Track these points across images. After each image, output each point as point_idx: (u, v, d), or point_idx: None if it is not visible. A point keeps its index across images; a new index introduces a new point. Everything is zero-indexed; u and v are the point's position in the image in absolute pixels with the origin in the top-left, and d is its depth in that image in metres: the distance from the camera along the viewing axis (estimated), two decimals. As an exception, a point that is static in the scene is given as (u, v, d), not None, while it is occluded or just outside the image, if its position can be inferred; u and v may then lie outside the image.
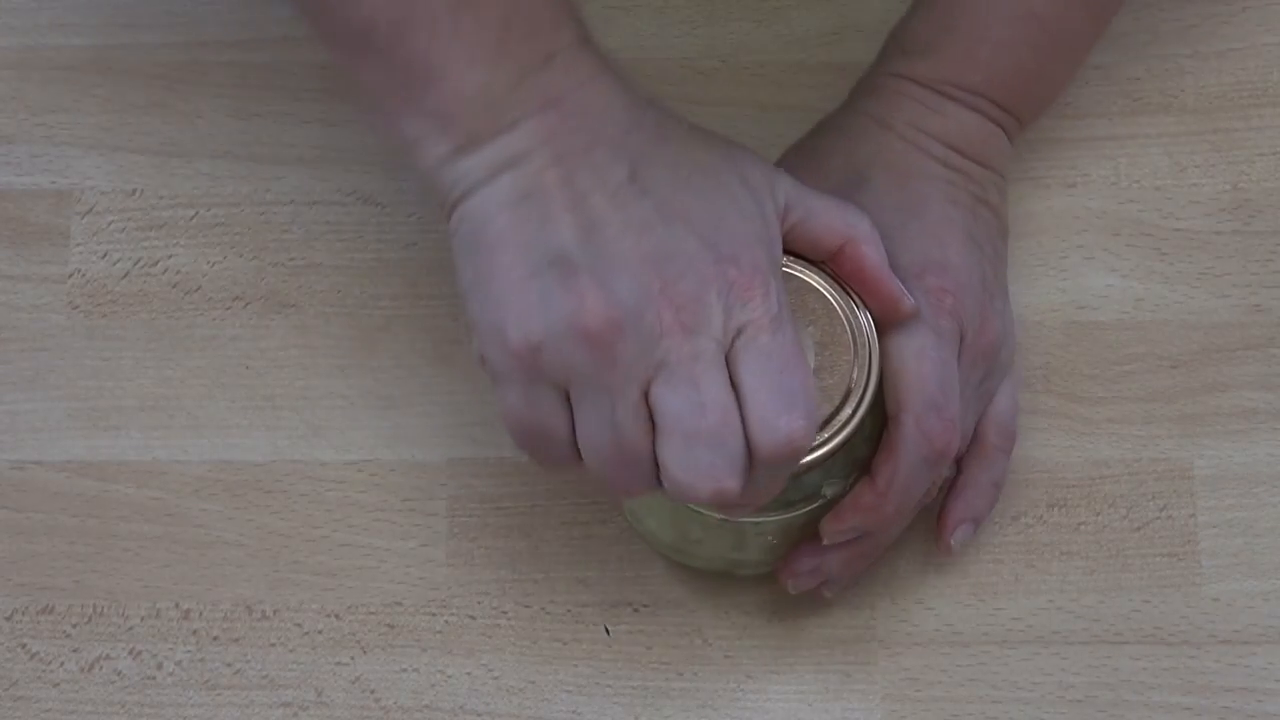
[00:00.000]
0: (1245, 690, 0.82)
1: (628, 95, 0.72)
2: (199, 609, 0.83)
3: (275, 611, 0.83)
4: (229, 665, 0.83)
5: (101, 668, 0.83)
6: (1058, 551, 0.84)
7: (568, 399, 0.70)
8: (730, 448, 0.70)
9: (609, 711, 0.82)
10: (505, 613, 0.83)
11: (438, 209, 0.72)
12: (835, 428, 0.74)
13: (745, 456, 0.70)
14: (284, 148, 0.89)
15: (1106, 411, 0.86)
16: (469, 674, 0.83)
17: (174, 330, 0.87)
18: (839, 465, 0.77)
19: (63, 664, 0.83)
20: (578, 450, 0.72)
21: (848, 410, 0.74)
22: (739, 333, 0.70)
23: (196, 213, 0.89)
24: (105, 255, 0.88)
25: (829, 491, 0.77)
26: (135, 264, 0.88)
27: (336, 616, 0.83)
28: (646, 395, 0.70)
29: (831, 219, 0.75)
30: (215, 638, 0.83)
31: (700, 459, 0.69)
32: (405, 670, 0.83)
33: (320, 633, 0.83)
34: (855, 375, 0.75)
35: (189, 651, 0.83)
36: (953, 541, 0.82)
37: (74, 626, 0.83)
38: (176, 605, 0.84)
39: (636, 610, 0.84)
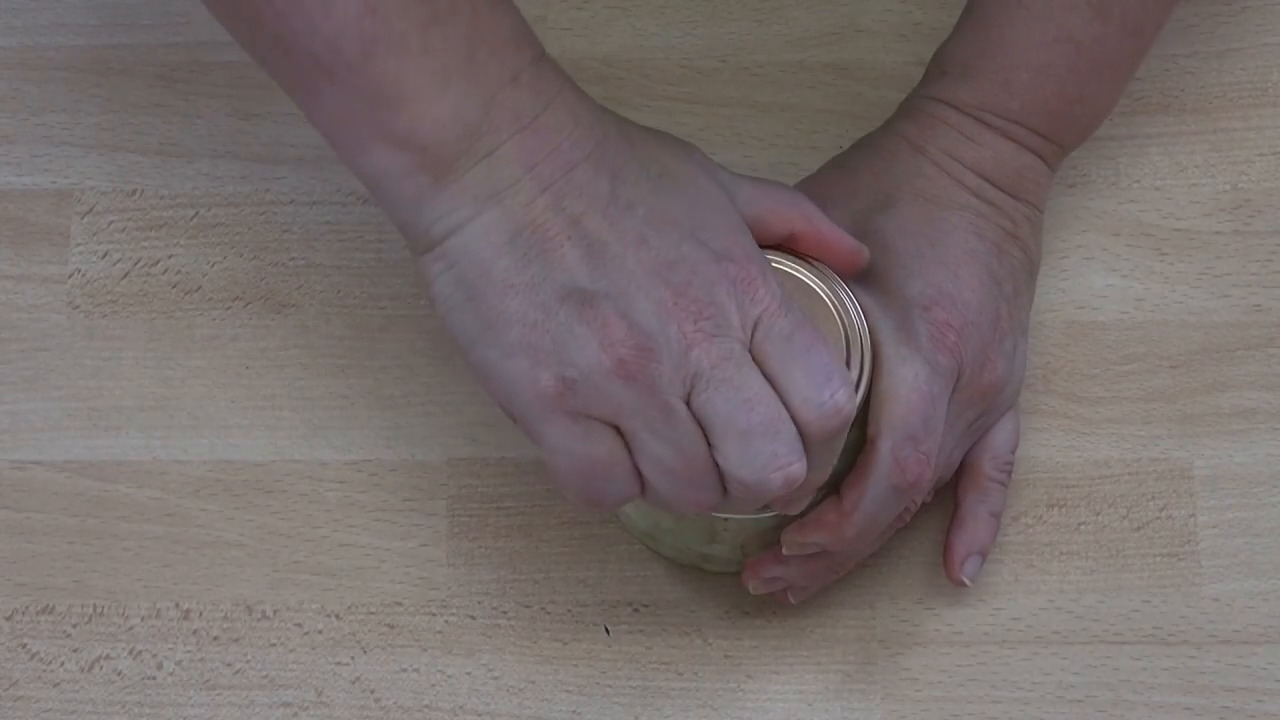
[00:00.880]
0: (1245, 690, 0.82)
1: (589, 106, 0.72)
2: (199, 609, 0.83)
3: (275, 611, 0.83)
4: (229, 665, 0.83)
5: (101, 668, 0.83)
6: (1058, 551, 0.84)
7: (614, 430, 0.70)
8: (785, 433, 0.70)
9: (609, 711, 0.82)
10: (505, 613, 0.83)
11: (409, 247, 0.71)
12: None
13: (799, 438, 0.71)
14: (284, 148, 0.89)
15: (1106, 411, 0.86)
16: (469, 674, 0.83)
17: (174, 330, 0.87)
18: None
19: (63, 664, 0.83)
20: (639, 479, 0.72)
21: None
22: (756, 325, 0.70)
23: (196, 213, 0.89)
24: (105, 255, 0.88)
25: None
26: (135, 264, 0.88)
27: (336, 616, 0.83)
28: (690, 406, 0.70)
29: (776, 201, 0.75)
30: (215, 638, 0.83)
31: (761, 452, 0.70)
32: (405, 670, 0.83)
33: (320, 633, 0.83)
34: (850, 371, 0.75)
35: (189, 651, 0.83)
36: (964, 576, 0.82)
37: (74, 626, 0.83)
38: (176, 605, 0.84)
39: (636, 610, 0.84)
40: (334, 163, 0.89)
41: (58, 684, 0.83)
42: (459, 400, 0.86)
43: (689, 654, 0.83)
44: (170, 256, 0.88)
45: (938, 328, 0.77)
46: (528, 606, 0.84)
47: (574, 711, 0.82)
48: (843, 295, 0.75)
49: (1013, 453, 0.83)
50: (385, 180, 0.70)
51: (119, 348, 0.87)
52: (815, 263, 0.76)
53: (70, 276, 0.88)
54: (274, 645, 0.83)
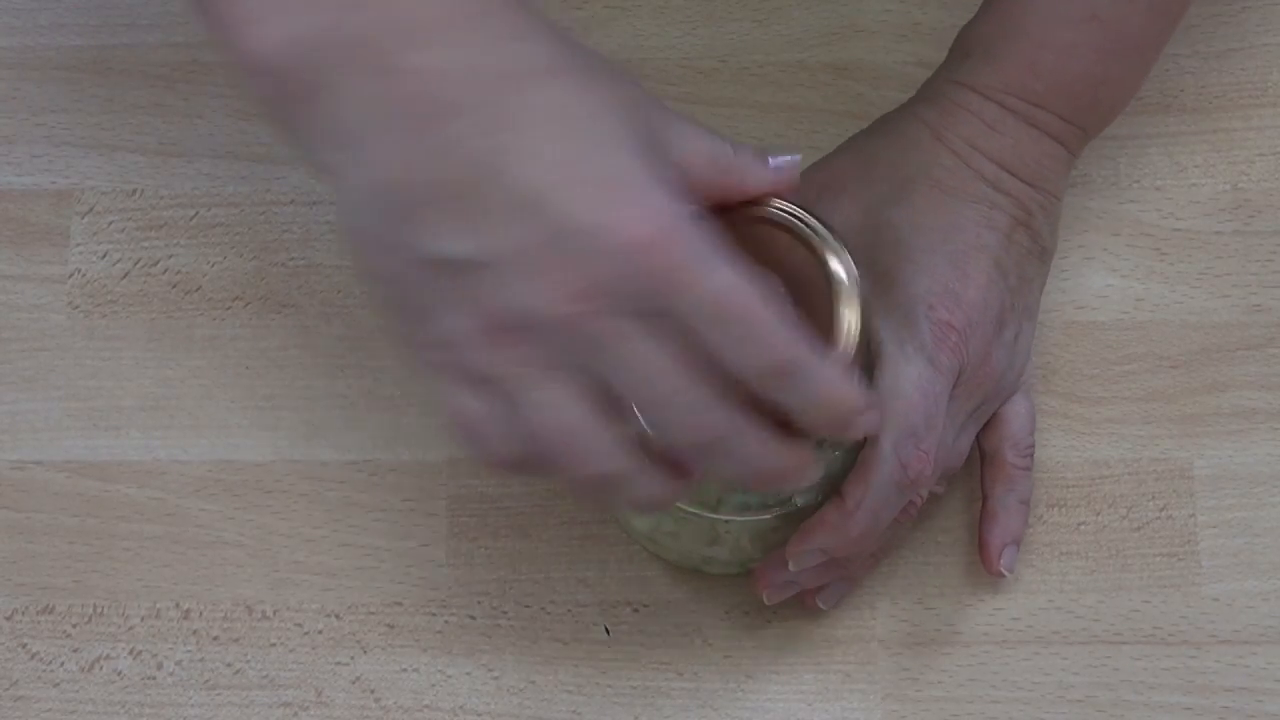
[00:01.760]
0: (1245, 690, 0.82)
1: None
2: (199, 609, 0.83)
3: (275, 611, 0.83)
4: (229, 665, 0.83)
5: (101, 668, 0.83)
6: (1058, 551, 0.84)
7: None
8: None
9: (609, 711, 0.82)
10: (505, 613, 0.83)
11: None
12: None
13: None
14: (284, 147, 0.89)
15: (1106, 411, 0.86)
16: (469, 674, 0.83)
17: (174, 330, 0.87)
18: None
19: (63, 664, 0.83)
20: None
21: None
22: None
23: (196, 213, 0.89)
24: (105, 255, 0.88)
25: (800, 500, 0.77)
26: (135, 264, 0.88)
27: (336, 616, 0.83)
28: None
29: (745, 159, 0.70)
30: (215, 638, 0.83)
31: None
32: (405, 670, 0.83)
33: (320, 633, 0.83)
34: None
35: (189, 651, 0.83)
36: (1002, 568, 0.82)
37: (74, 626, 0.83)
38: (176, 605, 0.84)
39: (636, 610, 0.84)
40: (334, 163, 0.89)
41: (58, 684, 0.83)
42: (459, 400, 0.86)
43: (689, 654, 0.83)
44: (170, 256, 0.88)
45: (940, 328, 0.77)
46: (528, 606, 0.84)
47: (574, 711, 0.82)
48: (847, 318, 0.73)
49: (1031, 435, 0.83)
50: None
51: (119, 348, 0.87)
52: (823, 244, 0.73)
53: (70, 276, 0.88)
54: (274, 645, 0.83)
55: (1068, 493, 0.85)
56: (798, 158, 0.71)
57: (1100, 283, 0.88)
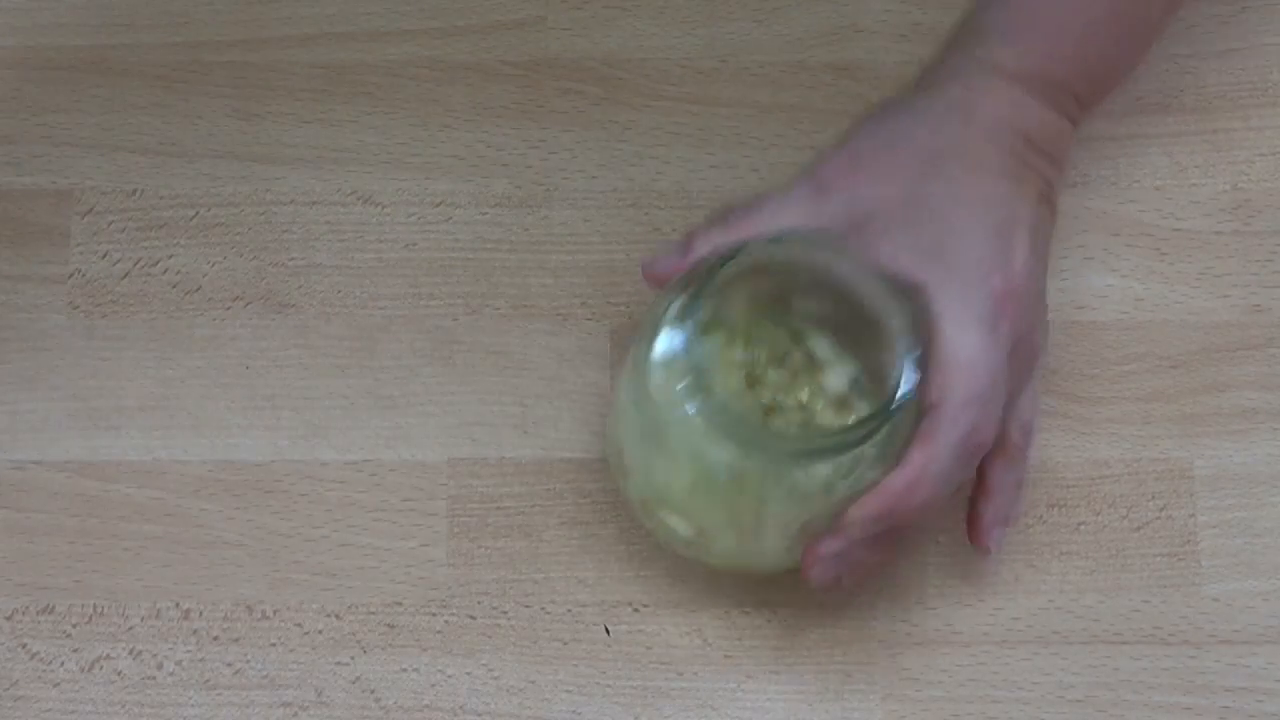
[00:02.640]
0: (1245, 690, 0.82)
1: None
2: (199, 609, 0.83)
3: (275, 611, 0.83)
4: (229, 665, 0.83)
5: (102, 668, 0.83)
6: (1058, 551, 0.84)
7: None
8: None
9: (609, 711, 0.82)
10: (505, 613, 0.83)
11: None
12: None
13: None
14: (284, 148, 0.89)
15: (1106, 411, 0.86)
16: (469, 674, 0.83)
17: (174, 330, 0.87)
18: (873, 444, 0.76)
19: (63, 664, 0.83)
20: None
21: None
22: None
23: (196, 213, 0.89)
24: (105, 255, 0.88)
25: (855, 480, 0.76)
26: (135, 264, 0.88)
27: (336, 616, 0.83)
28: None
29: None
30: (215, 638, 0.83)
31: None
32: (405, 670, 0.83)
33: (320, 633, 0.83)
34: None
35: (189, 651, 0.83)
36: (990, 544, 0.82)
37: (74, 626, 0.83)
38: (177, 605, 0.84)
39: (636, 610, 0.84)
40: (334, 163, 0.89)
41: (58, 684, 0.83)
42: (459, 400, 0.86)
43: (689, 654, 0.83)
44: (170, 256, 0.88)
45: (997, 298, 0.78)
46: (528, 606, 0.84)
47: (574, 711, 0.82)
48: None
49: (1035, 418, 0.83)
50: None
51: (119, 348, 0.87)
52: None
53: (70, 276, 0.88)
54: (274, 645, 0.83)
55: (1068, 493, 0.85)
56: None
57: (1100, 283, 0.88)
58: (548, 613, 0.83)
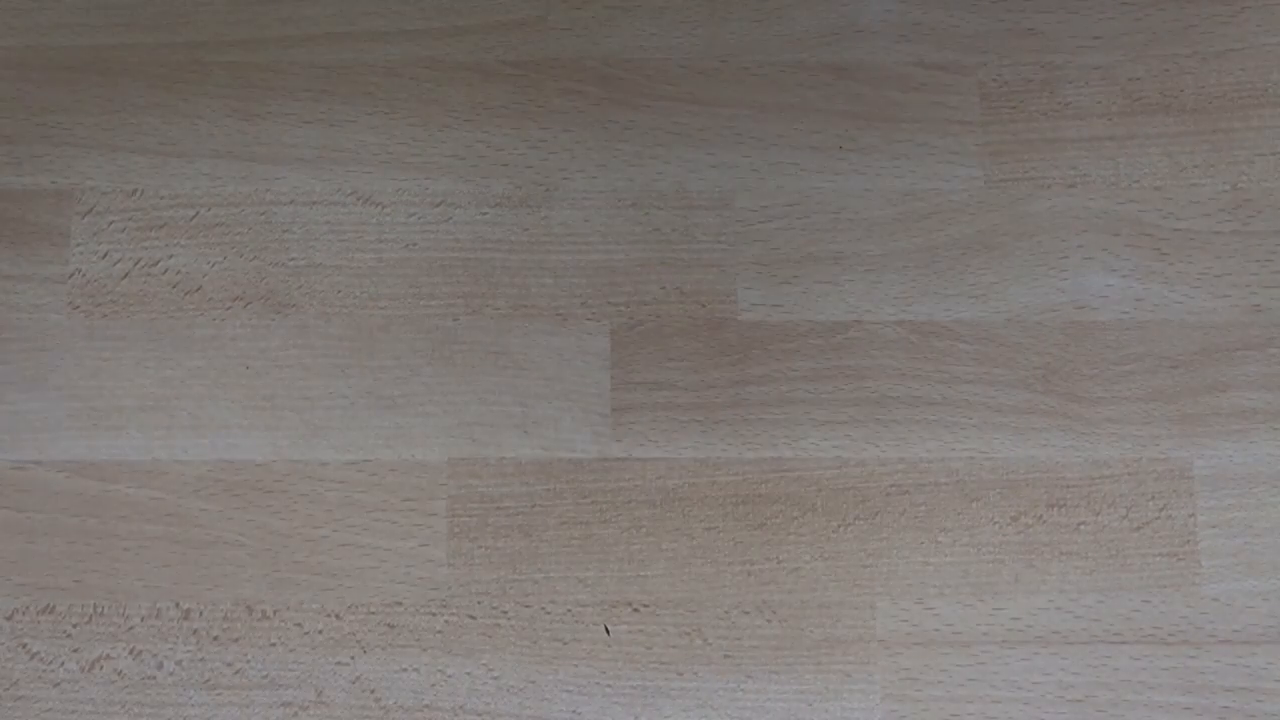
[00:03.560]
0: (1245, 690, 0.82)
1: None
2: (199, 609, 0.83)
3: (275, 611, 0.83)
4: (229, 665, 0.83)
5: (102, 667, 0.83)
6: (1058, 551, 0.84)
7: None
8: None
9: (609, 711, 0.82)
10: (505, 613, 0.83)
11: None
12: None
13: None
14: (284, 148, 0.89)
15: (1106, 411, 0.86)
16: (469, 674, 0.83)
17: (174, 330, 0.87)
18: None
19: (63, 663, 0.83)
20: None
21: None
22: None
23: (196, 213, 0.89)
24: (105, 255, 0.88)
25: None
26: (135, 264, 0.88)
27: (336, 616, 0.83)
28: None
29: None
30: (215, 637, 0.83)
31: None
32: (405, 670, 0.83)
33: (320, 632, 0.83)
34: None
35: (189, 651, 0.83)
36: None
37: (74, 626, 0.83)
38: (177, 605, 0.84)
39: (636, 610, 0.84)
40: (334, 163, 0.89)
41: (58, 684, 0.83)
42: (459, 400, 0.86)
43: (689, 654, 0.83)
44: (170, 256, 0.88)
45: None
46: (528, 606, 0.84)
47: (574, 711, 0.82)
48: None
49: None
50: None
51: (119, 348, 0.87)
52: None
53: (70, 276, 0.88)
54: (274, 645, 0.83)
55: (1068, 493, 0.85)
56: None
57: (1100, 283, 0.88)
58: (548, 613, 0.84)
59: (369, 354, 0.87)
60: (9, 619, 0.83)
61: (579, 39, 0.91)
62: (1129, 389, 0.86)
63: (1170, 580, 0.84)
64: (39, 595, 0.84)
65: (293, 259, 0.88)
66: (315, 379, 0.86)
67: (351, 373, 0.86)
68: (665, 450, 0.85)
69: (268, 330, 0.87)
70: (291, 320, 0.87)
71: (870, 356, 0.86)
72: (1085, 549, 0.84)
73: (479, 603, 0.84)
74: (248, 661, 0.83)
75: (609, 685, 0.83)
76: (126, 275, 0.88)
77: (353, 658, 0.83)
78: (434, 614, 0.83)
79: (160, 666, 0.83)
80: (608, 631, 0.83)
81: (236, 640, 0.83)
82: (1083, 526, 0.85)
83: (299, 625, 0.83)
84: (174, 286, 0.88)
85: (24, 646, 0.83)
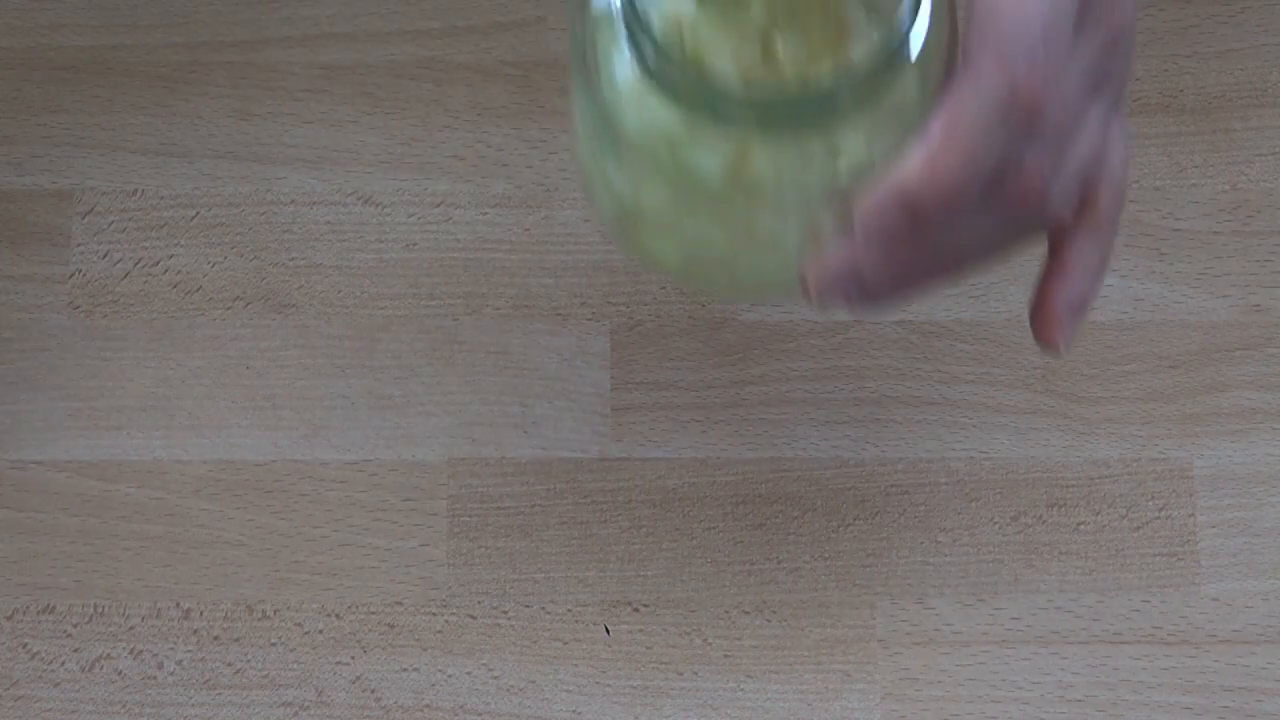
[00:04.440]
0: (1245, 690, 0.83)
1: None
2: (199, 609, 0.83)
3: (275, 611, 0.83)
4: (229, 665, 0.83)
5: (102, 667, 0.83)
6: (1057, 551, 0.84)
7: None
8: None
9: (609, 711, 0.82)
10: (505, 613, 0.84)
11: None
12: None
13: None
14: (284, 148, 0.89)
15: (1106, 411, 0.86)
16: (469, 674, 0.83)
17: (174, 330, 0.87)
18: (883, 114, 0.59)
19: (63, 664, 0.83)
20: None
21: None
22: None
23: (196, 213, 0.89)
24: (106, 255, 0.88)
25: (863, 151, 0.59)
26: (136, 264, 0.88)
27: (337, 616, 0.83)
28: None
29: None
30: (216, 637, 0.83)
31: None
32: (405, 670, 0.83)
33: (320, 632, 0.83)
34: None
35: (189, 651, 0.83)
36: (1061, 340, 0.64)
37: (75, 626, 0.83)
38: (177, 605, 0.84)
39: (636, 610, 0.84)
40: (334, 163, 0.89)
41: (58, 684, 0.83)
42: (459, 400, 0.86)
43: (689, 654, 0.83)
44: (170, 256, 0.88)
45: None
46: (528, 606, 0.84)
47: (574, 711, 0.82)
48: None
49: (1127, 177, 0.64)
50: None
51: (119, 348, 0.87)
52: None
53: (70, 276, 0.88)
54: (274, 645, 0.83)
55: (1068, 493, 0.85)
56: None
57: (1100, 283, 0.88)
58: (548, 612, 0.84)
59: (369, 354, 0.87)
60: (9, 619, 0.83)
61: (579, 39, 0.91)
62: (1128, 389, 0.86)
63: (1170, 580, 0.84)
64: (39, 595, 0.84)
65: (293, 259, 0.88)
66: (315, 379, 0.86)
67: (351, 373, 0.87)
68: (665, 450, 0.85)
69: (268, 330, 0.87)
70: (291, 320, 0.87)
71: (869, 356, 0.86)
72: (1085, 549, 0.84)
73: (479, 603, 0.84)
74: (248, 661, 0.83)
75: (609, 685, 0.83)
76: (126, 275, 0.88)
77: (353, 658, 0.83)
78: (434, 614, 0.83)
79: (161, 666, 0.83)
80: (608, 631, 0.83)
81: (237, 640, 0.83)
82: (1082, 526, 0.85)
83: (299, 625, 0.83)
84: (174, 286, 0.88)
85: (24, 646, 0.83)
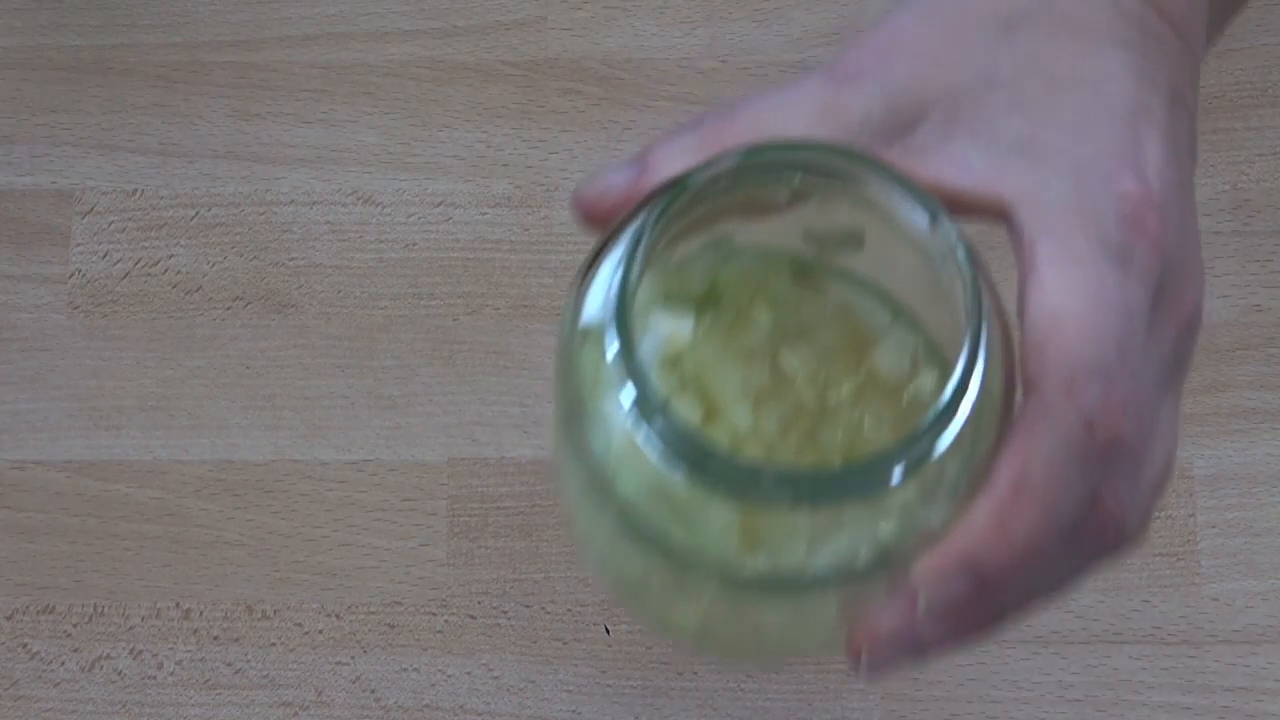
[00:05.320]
0: (1245, 690, 0.83)
1: None
2: (199, 609, 0.83)
3: (275, 611, 0.83)
4: (229, 665, 0.83)
5: (102, 667, 0.83)
6: (1057, 551, 0.84)
7: None
8: None
9: (609, 711, 0.82)
10: (505, 613, 0.83)
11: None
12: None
13: None
14: (284, 148, 0.89)
15: (1106, 411, 0.86)
16: (469, 674, 0.83)
17: (174, 330, 0.87)
18: (933, 478, 0.49)
19: (63, 664, 0.83)
20: None
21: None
22: None
23: (196, 213, 0.89)
24: (106, 255, 0.88)
25: (912, 511, 0.50)
26: (136, 264, 0.88)
27: (336, 616, 0.83)
28: None
29: None
30: (215, 637, 0.83)
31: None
32: (405, 670, 0.83)
33: (320, 632, 0.83)
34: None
35: (189, 651, 0.83)
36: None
37: (74, 626, 0.83)
38: (177, 605, 0.84)
39: (636, 610, 0.84)
40: (334, 163, 0.89)
41: (58, 684, 0.83)
42: (459, 400, 0.86)
43: (689, 654, 0.83)
44: (170, 256, 0.88)
45: (1128, 205, 0.50)
46: (528, 606, 0.84)
47: (574, 711, 0.82)
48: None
49: (1167, 471, 0.54)
50: None
51: (119, 348, 0.87)
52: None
53: (70, 276, 0.88)
54: (274, 645, 0.83)
55: (1067, 493, 0.85)
56: None
57: (1100, 283, 0.88)
58: (548, 612, 0.84)
59: (369, 354, 0.87)
60: (9, 619, 0.83)
61: (579, 39, 0.91)
62: (1129, 389, 0.86)
63: (1170, 580, 0.84)
64: (39, 595, 0.84)
65: (293, 259, 0.88)
66: (315, 379, 0.86)
67: (351, 373, 0.86)
68: (665, 450, 0.85)
69: (268, 330, 0.87)
70: (291, 320, 0.87)
71: (870, 356, 0.86)
72: (1085, 549, 0.84)
73: (479, 603, 0.84)
74: (248, 661, 0.83)
75: (609, 685, 0.83)
76: (126, 275, 0.88)
77: (353, 658, 0.83)
78: (434, 614, 0.83)
79: (160, 666, 0.83)
80: (608, 631, 0.83)
81: (237, 640, 0.83)
82: (1082, 526, 0.85)
83: (299, 625, 0.83)
84: (174, 286, 0.88)
85: (24, 646, 0.83)
